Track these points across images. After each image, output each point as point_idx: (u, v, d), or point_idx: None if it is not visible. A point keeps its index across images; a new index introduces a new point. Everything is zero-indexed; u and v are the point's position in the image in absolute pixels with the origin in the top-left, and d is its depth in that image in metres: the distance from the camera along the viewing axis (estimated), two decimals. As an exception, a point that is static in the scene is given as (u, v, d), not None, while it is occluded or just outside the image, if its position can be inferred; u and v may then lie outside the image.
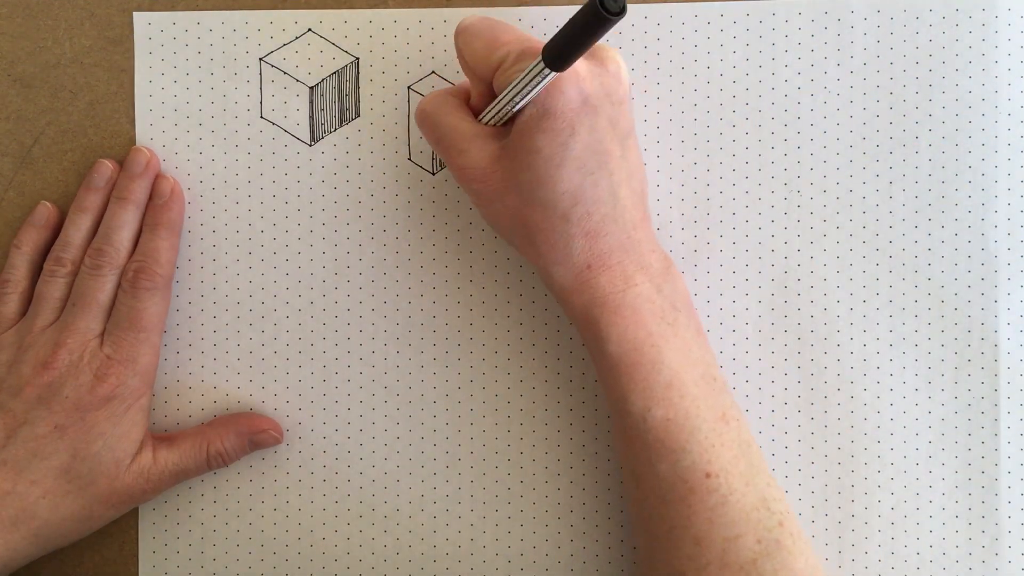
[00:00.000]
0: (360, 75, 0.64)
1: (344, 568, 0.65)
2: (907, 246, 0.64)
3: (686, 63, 0.64)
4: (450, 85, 0.62)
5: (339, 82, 0.64)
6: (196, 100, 0.64)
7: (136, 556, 0.65)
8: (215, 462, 0.63)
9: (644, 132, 0.64)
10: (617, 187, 0.56)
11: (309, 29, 0.64)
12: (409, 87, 0.64)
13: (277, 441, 0.64)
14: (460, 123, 0.58)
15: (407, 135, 0.64)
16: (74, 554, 0.65)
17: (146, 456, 0.62)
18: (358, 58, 0.64)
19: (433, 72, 0.64)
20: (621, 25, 0.64)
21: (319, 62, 0.64)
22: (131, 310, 0.61)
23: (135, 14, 0.64)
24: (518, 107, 0.55)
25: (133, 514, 0.65)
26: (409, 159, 0.64)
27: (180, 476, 0.63)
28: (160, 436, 0.63)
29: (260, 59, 0.64)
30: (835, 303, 0.64)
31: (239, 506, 0.64)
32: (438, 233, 0.64)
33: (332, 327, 0.65)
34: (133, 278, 0.61)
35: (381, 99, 0.64)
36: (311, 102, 0.64)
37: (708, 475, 0.55)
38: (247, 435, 0.63)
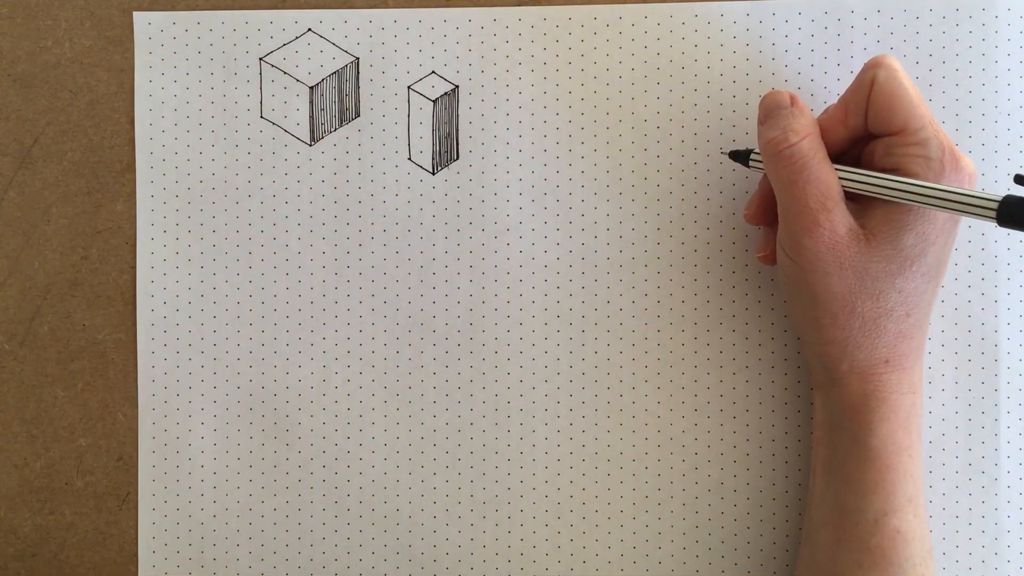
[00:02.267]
0: (360, 75, 0.64)
1: (344, 568, 0.65)
2: (907, 246, 0.64)
3: (686, 63, 0.64)
4: (800, 111, 0.57)
5: (339, 82, 0.64)
6: (196, 100, 0.64)
7: (136, 556, 0.65)
8: None
9: (644, 132, 0.64)
10: (934, 299, 0.57)
11: (309, 29, 0.64)
12: (409, 87, 0.64)
13: None
14: (831, 177, 0.55)
15: (407, 135, 0.64)
16: (74, 554, 0.65)
17: None
18: (358, 58, 0.64)
19: (433, 72, 0.64)
20: (622, 25, 0.64)
21: (319, 62, 0.64)
22: None
23: (135, 14, 0.64)
24: (899, 202, 0.54)
25: (133, 514, 0.65)
26: (409, 159, 0.64)
27: None
28: None
29: (260, 59, 0.64)
30: (835, 303, 0.64)
31: (239, 506, 0.64)
32: (438, 233, 0.64)
33: (332, 327, 0.65)
34: None
35: (381, 99, 0.64)
36: (311, 102, 0.64)
37: None
38: None
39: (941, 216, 0.54)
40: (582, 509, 0.64)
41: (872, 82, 0.55)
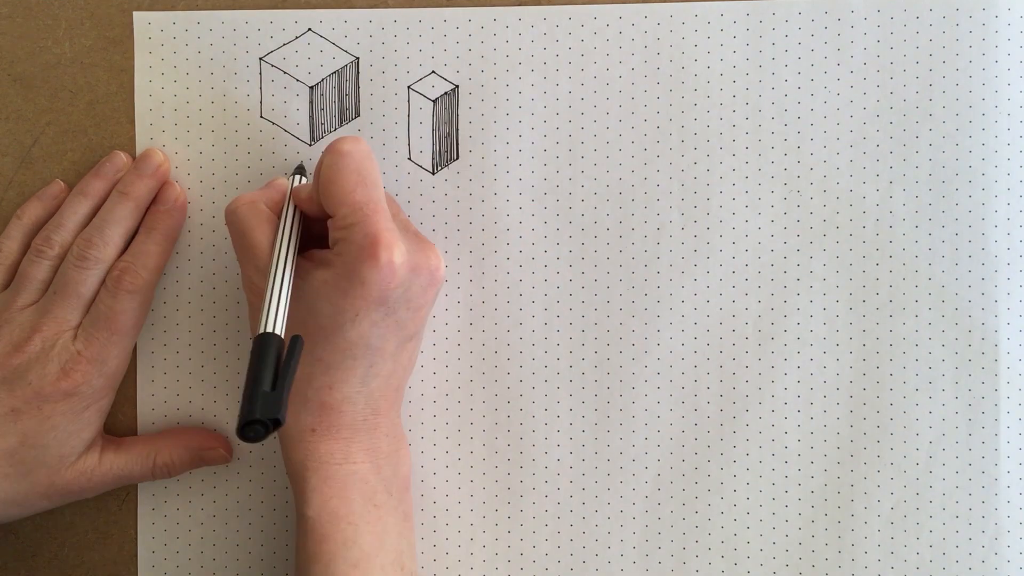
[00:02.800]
0: (360, 75, 0.64)
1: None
2: (907, 246, 0.64)
3: (686, 63, 0.64)
4: (267, 185, 0.62)
5: (339, 82, 0.64)
6: (196, 100, 0.64)
7: (136, 556, 0.65)
8: (160, 472, 0.63)
9: (644, 132, 0.64)
10: (372, 378, 0.57)
11: (309, 29, 0.64)
12: (409, 87, 0.64)
13: (225, 460, 0.64)
14: (266, 241, 0.57)
15: (407, 135, 0.64)
16: (74, 554, 0.65)
17: (92, 457, 0.61)
18: (358, 58, 0.64)
19: (433, 72, 0.64)
20: (622, 24, 0.64)
21: (319, 62, 0.64)
22: (109, 310, 0.61)
23: (135, 14, 0.64)
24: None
25: (133, 514, 0.65)
26: (409, 159, 0.64)
27: (122, 480, 0.62)
28: (110, 439, 0.63)
29: (260, 59, 0.64)
30: (834, 303, 0.64)
31: (239, 506, 0.64)
32: (438, 232, 0.64)
33: (332, 327, 0.65)
34: (118, 277, 0.61)
35: (381, 99, 0.64)
36: (311, 102, 0.64)
37: None
38: (196, 450, 0.63)
39: (362, 296, 0.55)
40: (582, 509, 0.64)
41: (319, 165, 0.57)
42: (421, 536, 0.64)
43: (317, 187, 0.57)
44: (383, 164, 0.64)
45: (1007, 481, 0.63)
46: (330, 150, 0.56)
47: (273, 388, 0.49)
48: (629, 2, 0.64)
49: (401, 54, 0.64)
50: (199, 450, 0.63)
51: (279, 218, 0.58)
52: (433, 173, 0.64)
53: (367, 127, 0.64)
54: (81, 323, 0.61)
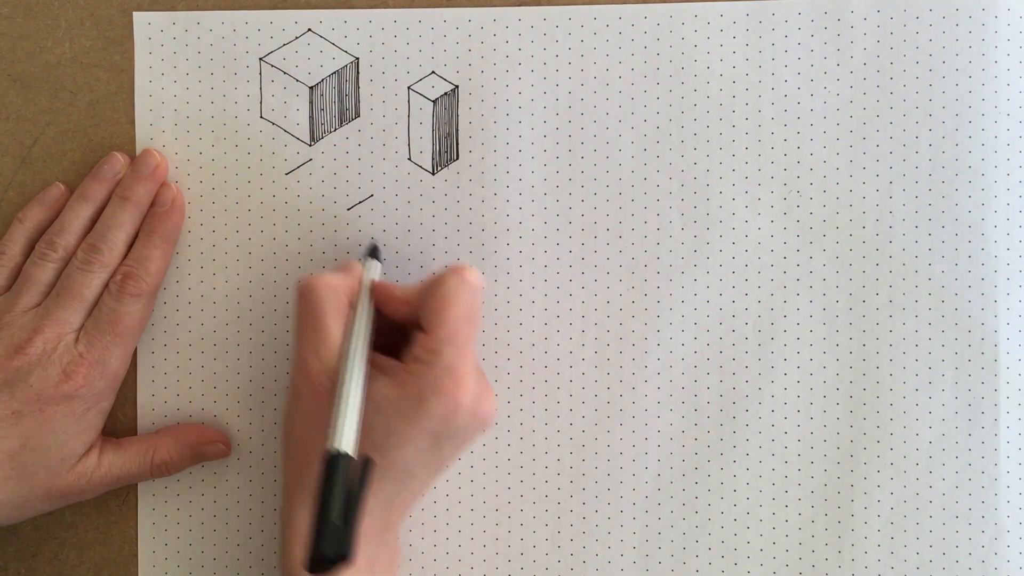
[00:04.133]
0: (360, 75, 0.64)
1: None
2: (907, 246, 0.64)
3: (686, 63, 0.64)
4: (341, 268, 0.60)
5: (339, 82, 0.64)
6: (196, 100, 0.64)
7: (136, 556, 0.65)
8: (159, 471, 0.63)
9: (644, 132, 0.64)
10: (396, 498, 0.57)
11: (309, 29, 0.64)
12: (409, 87, 0.64)
13: (224, 454, 0.64)
14: (337, 331, 0.57)
15: (407, 135, 0.64)
16: (74, 554, 0.65)
17: (92, 458, 0.61)
18: (358, 58, 0.64)
19: (433, 72, 0.64)
20: (622, 25, 0.64)
21: (319, 62, 0.64)
22: (113, 312, 0.61)
23: (135, 14, 0.64)
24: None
25: (133, 514, 0.65)
26: (409, 159, 0.64)
27: (122, 481, 0.62)
28: (108, 439, 0.63)
29: (260, 59, 0.64)
30: (834, 303, 0.64)
31: (239, 506, 0.64)
32: (438, 233, 0.64)
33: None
34: (121, 282, 0.61)
35: (381, 99, 0.64)
36: (311, 102, 0.64)
37: None
38: (194, 447, 0.63)
39: (418, 425, 0.55)
40: (582, 509, 0.64)
41: (440, 281, 0.57)
42: (421, 536, 0.64)
43: (423, 298, 0.57)
44: (383, 164, 0.64)
45: (1007, 481, 0.64)
46: (457, 272, 0.57)
47: (345, 520, 0.49)
48: (629, 2, 0.64)
49: (401, 54, 0.64)
50: (197, 446, 0.63)
51: (352, 310, 0.58)
52: (433, 173, 0.64)
53: (367, 127, 0.64)
54: (83, 326, 0.61)
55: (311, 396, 0.56)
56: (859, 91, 0.64)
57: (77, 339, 0.60)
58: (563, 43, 0.64)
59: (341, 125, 0.64)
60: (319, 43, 0.64)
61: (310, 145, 0.64)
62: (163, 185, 0.64)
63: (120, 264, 0.62)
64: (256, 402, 0.65)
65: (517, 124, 0.64)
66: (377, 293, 0.59)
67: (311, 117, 0.64)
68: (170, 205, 0.63)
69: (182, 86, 0.64)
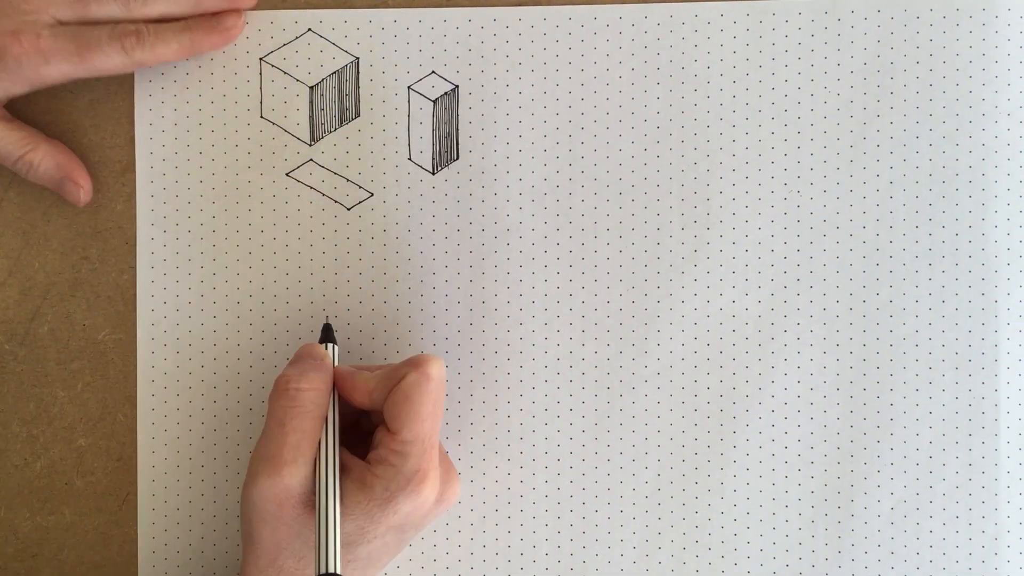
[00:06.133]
0: (360, 75, 0.64)
1: (344, 568, 0.65)
2: (907, 246, 0.64)
3: (686, 63, 0.64)
4: (324, 369, 0.59)
5: (339, 82, 0.64)
6: (196, 100, 0.64)
7: (136, 556, 0.65)
8: (22, 166, 0.63)
9: (644, 132, 0.64)
10: None
11: (309, 29, 0.64)
12: (409, 87, 0.64)
13: (77, 200, 0.64)
14: (315, 437, 0.57)
15: (407, 135, 0.64)
16: (74, 554, 0.65)
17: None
18: (358, 58, 0.64)
19: (433, 72, 0.64)
20: (622, 25, 0.64)
21: (319, 62, 0.64)
22: (88, 40, 0.61)
23: (135, 14, 0.64)
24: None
25: (133, 514, 0.65)
26: (409, 159, 0.64)
27: None
28: (5, 113, 0.63)
29: (260, 59, 0.64)
30: (834, 303, 0.64)
31: (239, 506, 0.64)
32: (438, 233, 0.64)
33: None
34: (123, 33, 0.61)
35: (381, 99, 0.64)
36: (311, 102, 0.64)
37: None
38: (63, 171, 0.63)
39: (386, 522, 0.56)
40: (582, 509, 0.64)
41: (402, 377, 0.56)
42: (421, 536, 0.64)
43: (385, 395, 0.57)
44: (383, 165, 0.65)
45: (1007, 481, 0.63)
46: (418, 368, 0.56)
47: None
48: (629, 2, 0.64)
49: (401, 54, 0.64)
50: (65, 173, 0.63)
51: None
52: (433, 173, 0.65)
53: (367, 127, 0.64)
54: (63, 25, 0.61)
55: (273, 506, 0.55)
56: (859, 91, 0.64)
57: (51, 24, 0.61)
58: (563, 43, 0.64)
59: (341, 125, 0.65)
60: (319, 43, 0.64)
61: (310, 145, 0.64)
62: (233, 12, 0.63)
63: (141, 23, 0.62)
64: (256, 401, 0.65)
65: (517, 124, 0.64)
66: (340, 385, 0.59)
67: (311, 117, 0.64)
68: (223, 29, 0.63)
69: (182, 86, 0.64)
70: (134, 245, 0.65)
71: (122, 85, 0.65)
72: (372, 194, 0.64)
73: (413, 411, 0.55)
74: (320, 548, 0.54)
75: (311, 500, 0.55)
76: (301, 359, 0.59)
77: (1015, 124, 0.64)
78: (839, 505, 0.64)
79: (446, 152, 0.64)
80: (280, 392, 0.57)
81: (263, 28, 0.64)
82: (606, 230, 0.64)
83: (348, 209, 0.65)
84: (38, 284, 0.65)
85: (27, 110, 0.65)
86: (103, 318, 0.65)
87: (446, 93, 0.64)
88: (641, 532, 0.64)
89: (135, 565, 0.65)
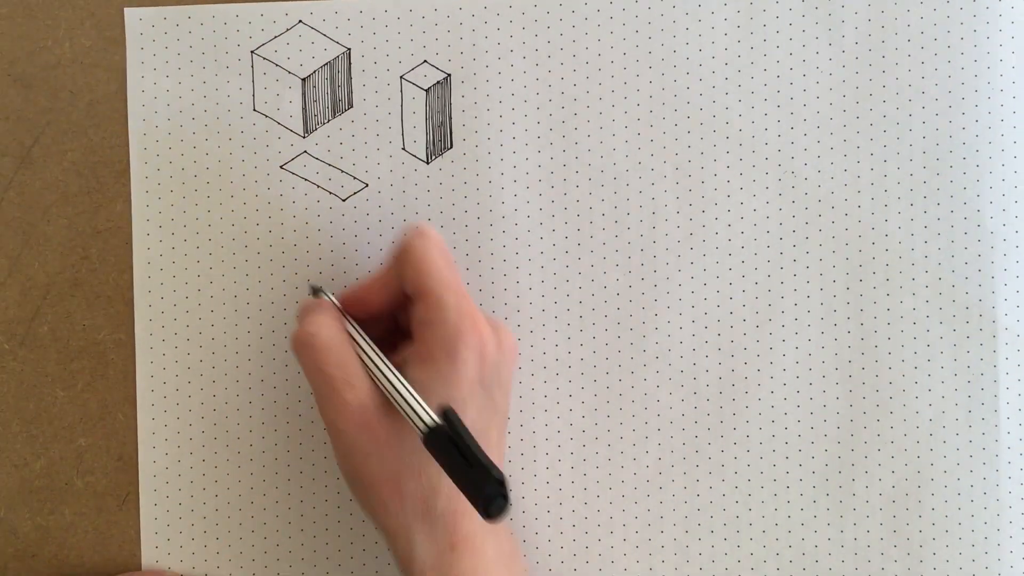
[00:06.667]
0: (352, 66, 0.65)
1: (344, 566, 0.64)
2: (903, 224, 0.64)
3: (678, 47, 0.64)
4: (320, 307, 0.59)
5: (331, 73, 0.65)
6: (189, 95, 0.65)
7: (136, 556, 0.65)
8: None
9: (638, 117, 0.64)
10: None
11: (300, 20, 0.64)
12: (402, 77, 0.65)
13: None
14: (353, 359, 0.56)
15: (400, 125, 0.65)
16: (74, 554, 0.65)
17: None
18: (349, 49, 0.65)
19: (425, 61, 0.64)
20: (613, 9, 0.64)
21: (310, 53, 0.65)
22: None
23: (126, 10, 0.65)
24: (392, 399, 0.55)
25: (133, 514, 0.65)
26: (403, 149, 0.65)
27: None
28: None
29: (251, 52, 0.65)
30: (831, 283, 0.64)
31: (240, 499, 0.64)
32: (433, 222, 0.64)
33: (329, 318, 0.65)
34: None
35: (374, 89, 0.65)
36: (304, 94, 0.65)
37: None
38: None
39: (461, 381, 0.55)
40: (583, 494, 0.64)
41: (406, 248, 0.57)
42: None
43: (398, 271, 0.57)
44: (377, 155, 0.65)
45: (1008, 457, 0.63)
46: (416, 234, 0.57)
47: (472, 465, 0.49)
48: None
49: (392, 44, 0.65)
50: None
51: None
52: (427, 163, 0.65)
53: (360, 118, 0.65)
54: None
55: (364, 436, 0.55)
56: (852, 71, 0.64)
57: None
58: (555, 29, 0.64)
59: (334, 116, 0.65)
60: (310, 34, 0.65)
61: (304, 137, 0.65)
62: None
63: None
64: (256, 396, 0.65)
65: (511, 111, 0.64)
66: (351, 307, 0.59)
67: (304, 109, 0.65)
68: None
69: (174, 81, 0.65)
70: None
71: (122, 85, 0.65)
72: (367, 185, 0.65)
73: (427, 263, 0.56)
74: (409, 413, 0.52)
75: (390, 406, 0.55)
76: (300, 315, 0.59)
77: (1008, 100, 0.63)
78: (840, 484, 0.63)
79: (440, 141, 0.64)
80: (300, 347, 0.56)
81: (253, 21, 0.64)
82: (601, 215, 0.64)
83: (343, 200, 0.65)
84: (38, 284, 0.65)
85: (27, 109, 0.65)
86: (103, 318, 0.65)
87: (439, 82, 0.65)
88: (643, 516, 0.64)
89: (135, 565, 0.65)
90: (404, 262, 0.57)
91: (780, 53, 0.64)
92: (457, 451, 0.50)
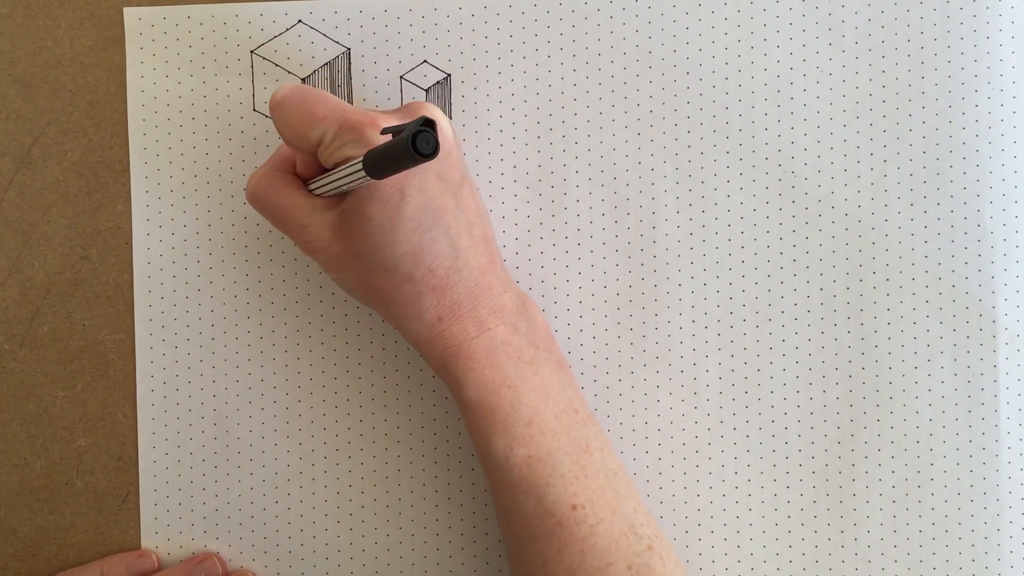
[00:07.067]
0: (352, 65, 0.65)
1: (345, 566, 0.64)
2: (903, 223, 0.64)
3: (678, 46, 0.64)
4: (274, 153, 0.60)
5: (331, 73, 0.65)
6: (188, 94, 0.65)
7: (137, 555, 0.65)
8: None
9: (638, 117, 0.64)
10: (456, 238, 0.56)
11: (299, 20, 0.64)
12: (401, 76, 0.64)
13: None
14: (295, 198, 0.57)
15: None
16: (74, 554, 0.65)
17: None
18: (349, 48, 0.65)
19: (425, 61, 0.64)
20: (613, 9, 0.64)
21: (310, 53, 0.64)
22: None
23: (125, 10, 0.65)
24: (346, 189, 0.54)
25: (133, 514, 0.65)
26: (402, 148, 0.65)
27: None
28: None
29: (251, 52, 0.64)
30: (831, 282, 0.64)
31: (240, 499, 0.64)
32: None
33: (329, 318, 0.65)
34: None
35: (374, 89, 0.65)
36: (304, 93, 0.65)
37: (574, 507, 0.55)
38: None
39: (392, 184, 0.54)
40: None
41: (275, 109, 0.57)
42: (424, 526, 0.64)
43: (287, 143, 0.57)
44: (377, 155, 0.65)
45: (1008, 456, 0.63)
46: (270, 108, 0.56)
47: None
48: (621, -11, 0.64)
49: (392, 44, 0.65)
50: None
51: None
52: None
53: (360, 118, 0.65)
54: None
55: (338, 243, 0.56)
56: (852, 70, 0.64)
57: None
58: (554, 28, 0.64)
59: (334, 116, 0.65)
60: (310, 34, 0.64)
61: (304, 137, 0.65)
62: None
63: None
64: (256, 396, 0.65)
65: (510, 111, 0.64)
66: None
67: (304, 108, 0.65)
68: None
69: (174, 80, 0.65)
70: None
71: (122, 85, 0.65)
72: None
73: (296, 125, 0.55)
74: (349, 173, 0.52)
75: (339, 224, 0.56)
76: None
77: (1008, 99, 0.63)
78: (840, 484, 0.63)
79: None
80: (251, 202, 0.58)
81: (253, 21, 0.64)
82: (601, 215, 0.64)
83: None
84: (38, 284, 0.65)
85: (27, 109, 0.65)
86: (103, 318, 0.65)
87: (438, 82, 0.64)
88: (641, 517, 0.64)
89: (136, 564, 0.65)
90: (283, 126, 0.56)
91: (780, 53, 0.64)
92: (392, 137, 0.49)
